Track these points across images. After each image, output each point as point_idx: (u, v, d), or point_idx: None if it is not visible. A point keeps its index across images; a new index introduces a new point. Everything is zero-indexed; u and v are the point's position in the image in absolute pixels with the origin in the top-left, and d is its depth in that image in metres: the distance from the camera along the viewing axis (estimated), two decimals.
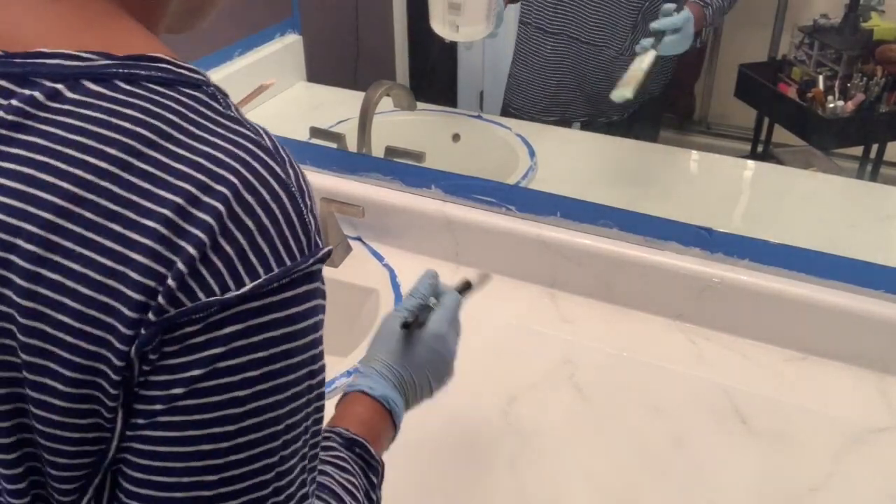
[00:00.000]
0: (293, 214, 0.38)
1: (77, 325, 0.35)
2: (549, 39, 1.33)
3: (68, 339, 0.35)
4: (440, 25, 1.19)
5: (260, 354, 0.37)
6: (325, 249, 0.41)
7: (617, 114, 1.35)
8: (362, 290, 1.08)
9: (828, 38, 1.29)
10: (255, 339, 0.37)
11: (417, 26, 1.39)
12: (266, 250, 0.37)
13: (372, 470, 0.58)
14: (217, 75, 1.35)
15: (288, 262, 0.38)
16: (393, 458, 0.83)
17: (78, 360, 0.36)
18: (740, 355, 0.98)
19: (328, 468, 0.54)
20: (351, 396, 0.65)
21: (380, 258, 1.13)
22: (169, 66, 0.38)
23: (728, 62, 1.42)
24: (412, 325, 0.69)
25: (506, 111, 1.42)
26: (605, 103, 1.19)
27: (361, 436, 0.59)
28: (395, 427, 0.66)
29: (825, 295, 0.95)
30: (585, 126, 1.40)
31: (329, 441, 0.57)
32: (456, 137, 1.35)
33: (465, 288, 0.76)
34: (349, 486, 0.53)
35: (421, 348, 0.69)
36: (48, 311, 0.35)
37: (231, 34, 1.41)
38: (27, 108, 0.36)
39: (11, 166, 0.36)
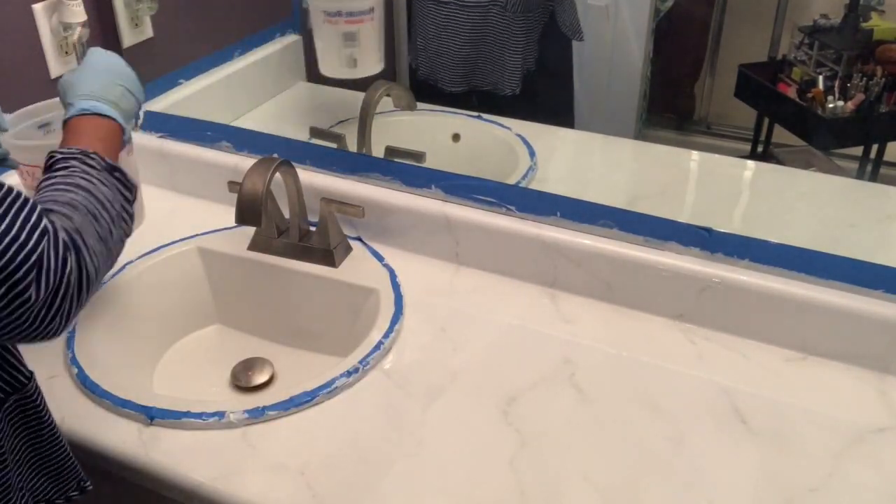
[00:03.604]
0: None
1: None
2: (442, 8, 1.32)
3: None
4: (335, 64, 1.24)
5: None
6: None
7: (509, 88, 1.33)
8: (362, 290, 1.08)
9: (828, 38, 1.29)
10: None
11: None
12: None
13: (129, 189, 0.75)
14: (217, 75, 1.36)
15: None
16: (394, 457, 0.83)
17: None
18: (740, 355, 0.98)
19: (80, 191, 0.70)
20: (78, 121, 0.79)
21: (380, 258, 1.13)
22: None
23: (728, 62, 1.41)
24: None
25: (414, 75, 1.40)
26: (496, 73, 1.19)
27: (117, 163, 0.76)
28: (123, 130, 0.82)
29: (825, 295, 0.95)
30: (486, 99, 1.37)
31: (89, 162, 0.73)
32: (456, 137, 1.35)
33: None
34: (103, 200, 0.71)
35: (92, 65, 0.85)
36: None
37: (231, 34, 1.41)
38: None
39: None
